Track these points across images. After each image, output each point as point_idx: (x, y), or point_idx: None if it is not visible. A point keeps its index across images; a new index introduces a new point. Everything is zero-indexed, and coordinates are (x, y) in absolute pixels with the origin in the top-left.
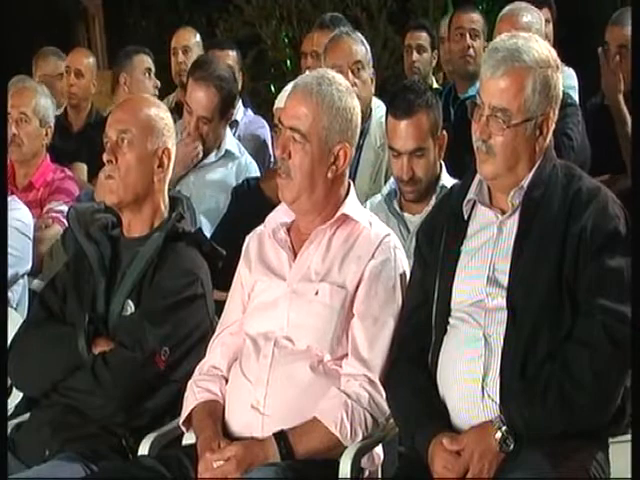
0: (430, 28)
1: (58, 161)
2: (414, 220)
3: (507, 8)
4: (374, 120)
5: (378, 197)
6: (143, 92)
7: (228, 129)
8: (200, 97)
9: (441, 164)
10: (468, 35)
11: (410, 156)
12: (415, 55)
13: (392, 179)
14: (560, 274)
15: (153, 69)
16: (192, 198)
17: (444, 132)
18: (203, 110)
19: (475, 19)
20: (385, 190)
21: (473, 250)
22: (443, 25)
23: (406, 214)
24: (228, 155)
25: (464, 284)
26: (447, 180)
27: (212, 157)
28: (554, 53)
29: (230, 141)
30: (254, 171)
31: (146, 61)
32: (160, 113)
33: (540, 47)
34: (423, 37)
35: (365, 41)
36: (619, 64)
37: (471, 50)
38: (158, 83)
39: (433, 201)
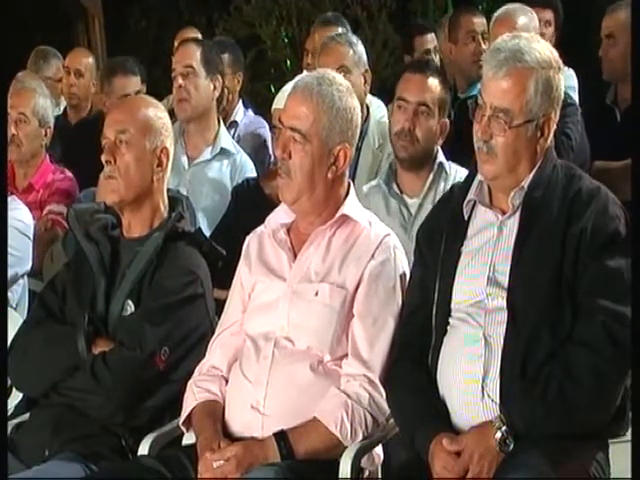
0: (433, 28)
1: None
2: (413, 202)
3: (501, 10)
4: (372, 121)
5: (374, 182)
6: None
7: (225, 129)
8: (180, 54)
9: (437, 149)
10: (480, 38)
11: (416, 110)
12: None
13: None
14: (560, 274)
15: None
16: (189, 196)
17: (446, 120)
18: (184, 61)
19: (484, 22)
20: (383, 174)
21: (473, 251)
22: (445, 25)
23: (405, 196)
24: (223, 152)
25: (464, 285)
26: (443, 159)
27: (207, 154)
28: (556, 54)
29: (225, 139)
30: (250, 169)
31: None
32: (158, 113)
33: (542, 48)
34: (430, 39)
35: (356, 42)
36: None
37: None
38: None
39: (430, 178)
